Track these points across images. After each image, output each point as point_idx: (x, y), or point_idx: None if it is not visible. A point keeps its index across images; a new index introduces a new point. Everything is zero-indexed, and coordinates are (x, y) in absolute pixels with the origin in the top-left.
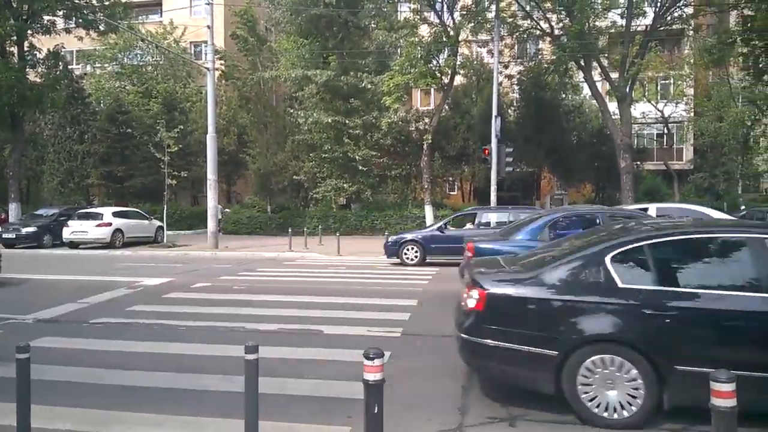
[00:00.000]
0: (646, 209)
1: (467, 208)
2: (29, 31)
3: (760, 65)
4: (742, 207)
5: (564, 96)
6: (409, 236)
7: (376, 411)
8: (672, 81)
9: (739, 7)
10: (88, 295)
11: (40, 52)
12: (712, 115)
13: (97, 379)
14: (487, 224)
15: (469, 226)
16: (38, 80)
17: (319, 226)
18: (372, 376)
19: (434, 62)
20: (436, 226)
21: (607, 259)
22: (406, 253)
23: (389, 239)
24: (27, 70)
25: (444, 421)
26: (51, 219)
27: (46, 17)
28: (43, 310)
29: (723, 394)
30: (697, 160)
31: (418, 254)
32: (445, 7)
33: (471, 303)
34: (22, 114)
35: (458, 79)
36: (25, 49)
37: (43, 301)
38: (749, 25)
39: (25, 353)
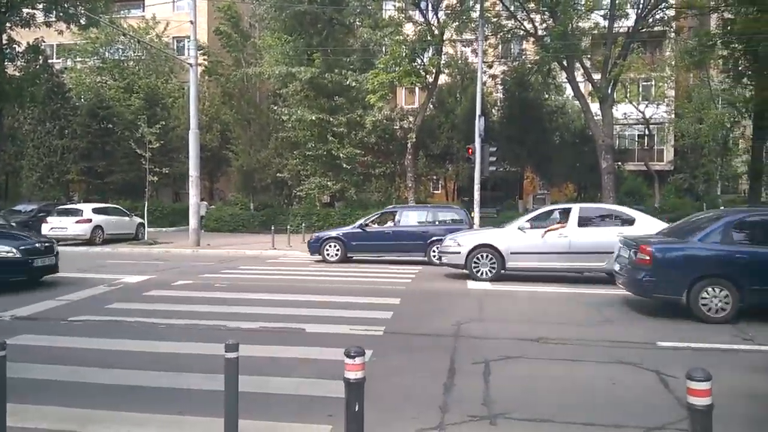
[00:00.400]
0: (569, 209)
1: (388, 206)
2: (8, 24)
3: (740, 68)
4: (722, 207)
5: (547, 96)
6: (330, 234)
7: (357, 409)
8: (653, 83)
9: (719, 11)
10: (67, 292)
11: (19, 46)
12: (692, 117)
13: (75, 377)
14: (407, 222)
15: (389, 224)
16: (17, 74)
17: (303, 224)
18: (353, 375)
19: (419, 61)
20: (357, 224)
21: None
22: (327, 251)
23: (312, 236)
24: (6, 63)
25: (425, 420)
26: (30, 215)
27: (25, 10)
28: (20, 308)
29: (699, 393)
30: (677, 161)
31: (339, 252)
32: (429, 6)
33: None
34: (1, 108)
35: (443, 78)
36: (4, 42)
37: (20, 298)
38: (729, 28)
39: (1, 351)
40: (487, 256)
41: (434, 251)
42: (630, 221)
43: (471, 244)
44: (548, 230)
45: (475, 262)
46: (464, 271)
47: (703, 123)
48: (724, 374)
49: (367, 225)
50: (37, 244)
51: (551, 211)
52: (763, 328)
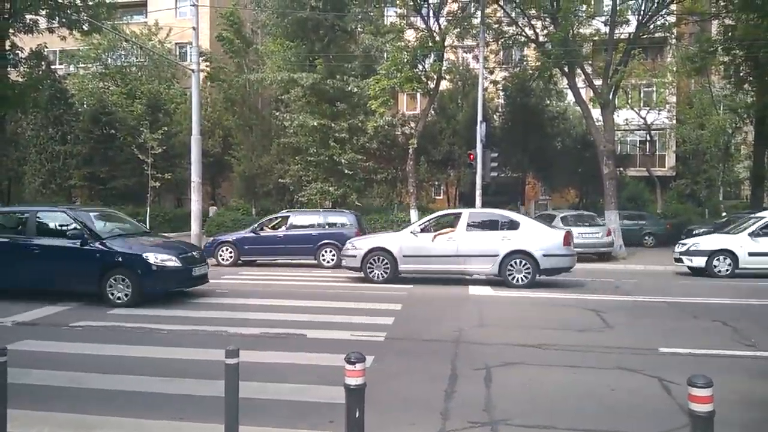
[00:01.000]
0: (459, 214)
1: (282, 211)
2: (11, 30)
3: (741, 74)
4: (724, 213)
5: (548, 102)
6: (225, 238)
7: (357, 415)
8: (655, 88)
9: (720, 17)
10: (68, 298)
11: (22, 52)
12: (694, 123)
13: (76, 383)
14: (300, 226)
15: (282, 228)
16: (20, 80)
17: None
18: (353, 381)
19: (420, 67)
20: (250, 228)
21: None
22: (221, 254)
23: (209, 240)
24: (9, 69)
25: (426, 426)
26: None
27: (28, 16)
28: (22, 313)
29: (701, 399)
30: (679, 167)
31: (232, 255)
32: (431, 12)
33: None
34: (4, 114)
35: (444, 84)
36: (7, 48)
37: (22, 304)
38: (730, 34)
39: (2, 356)
40: (381, 259)
41: (323, 254)
42: (515, 226)
43: (366, 247)
44: (438, 234)
45: (369, 265)
46: (361, 273)
47: (704, 129)
48: (726, 380)
49: (261, 229)
50: (193, 253)
51: (444, 216)
52: (765, 334)
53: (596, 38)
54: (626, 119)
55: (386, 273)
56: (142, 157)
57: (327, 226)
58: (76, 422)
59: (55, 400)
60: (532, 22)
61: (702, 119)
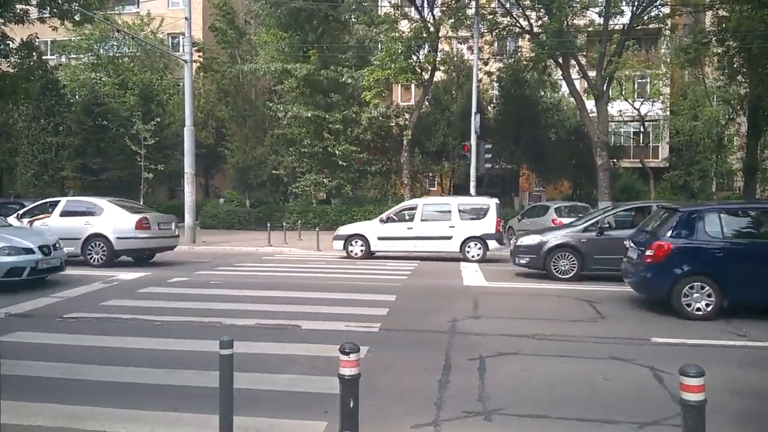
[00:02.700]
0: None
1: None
2: (1, 20)
3: (734, 65)
4: None
5: (543, 93)
6: (353, 231)
7: (351, 406)
8: (648, 80)
9: (714, 8)
10: (61, 289)
11: (12, 42)
12: (687, 114)
13: (71, 374)
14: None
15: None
16: (11, 71)
17: (299, 221)
18: (348, 371)
19: (414, 58)
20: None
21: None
22: (351, 248)
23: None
24: None
25: (420, 416)
26: None
27: (18, 6)
28: (15, 305)
29: (692, 389)
30: (672, 158)
31: (363, 249)
32: (425, 2)
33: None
34: None
35: (438, 75)
36: None
37: (15, 296)
38: (724, 25)
39: None
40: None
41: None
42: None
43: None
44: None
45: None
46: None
47: (698, 120)
48: (718, 370)
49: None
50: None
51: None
52: (757, 325)
53: (590, 29)
54: (620, 110)
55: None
56: (135, 148)
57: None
58: (69, 414)
59: (48, 391)
60: (527, 13)
61: (695, 110)
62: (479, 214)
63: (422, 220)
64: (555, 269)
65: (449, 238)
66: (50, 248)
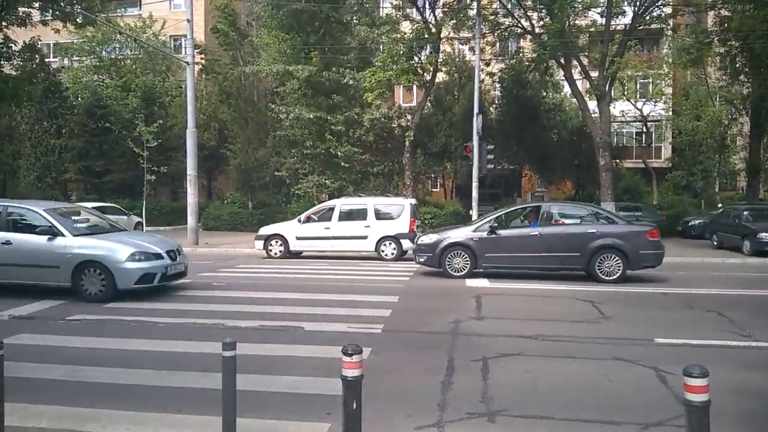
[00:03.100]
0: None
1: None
2: (3, 23)
3: (737, 65)
4: (719, 204)
5: (545, 94)
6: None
7: (354, 407)
8: (651, 80)
9: (716, 8)
10: (65, 292)
11: (15, 45)
12: (689, 114)
13: (74, 376)
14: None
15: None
16: (14, 73)
17: None
18: (350, 373)
19: (416, 59)
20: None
21: None
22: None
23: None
24: (2, 62)
25: (423, 417)
26: None
27: (21, 8)
28: (19, 307)
29: (696, 389)
30: (675, 159)
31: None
32: (426, 3)
33: None
34: None
35: (440, 76)
36: (0, 41)
37: (18, 298)
38: (726, 25)
39: None
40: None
41: None
42: None
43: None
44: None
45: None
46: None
47: (700, 120)
48: (722, 371)
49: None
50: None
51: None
52: (761, 325)
53: (592, 30)
54: (622, 111)
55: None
56: (138, 151)
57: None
58: (73, 416)
59: (52, 393)
60: (528, 14)
61: (698, 110)
62: (394, 214)
63: (339, 220)
64: (449, 267)
65: (365, 237)
66: (176, 253)
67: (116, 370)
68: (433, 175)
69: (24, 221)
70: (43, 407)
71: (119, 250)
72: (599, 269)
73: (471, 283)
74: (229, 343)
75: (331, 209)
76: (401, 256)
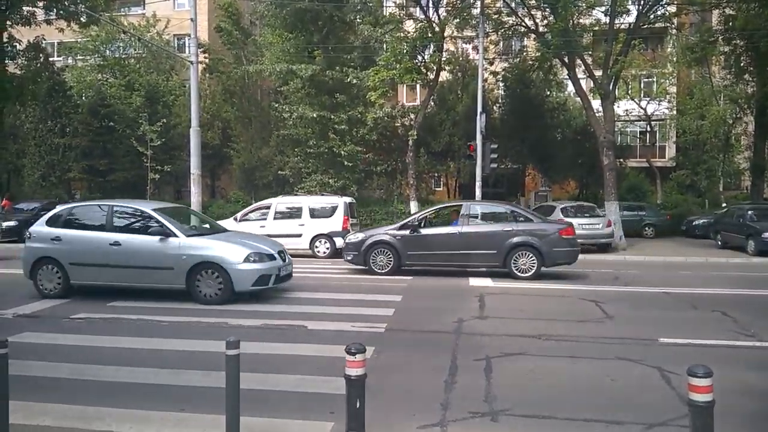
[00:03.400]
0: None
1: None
2: (8, 22)
3: (741, 64)
4: (724, 204)
5: (548, 93)
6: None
7: (358, 406)
8: (655, 79)
9: (721, 7)
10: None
11: (19, 44)
12: (694, 113)
13: (78, 374)
14: None
15: None
16: (18, 72)
17: None
18: (354, 372)
19: (420, 58)
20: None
21: None
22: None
23: None
24: (6, 62)
25: (426, 416)
26: (32, 213)
27: (25, 8)
28: (23, 305)
29: (700, 389)
30: (679, 158)
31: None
32: (430, 2)
33: None
34: (2, 107)
35: (444, 75)
36: (4, 40)
37: (23, 296)
38: (731, 24)
39: (2, 348)
40: None
41: None
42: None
43: None
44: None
45: None
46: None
47: (704, 119)
48: (727, 371)
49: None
50: None
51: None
52: (766, 325)
53: (596, 28)
54: (626, 110)
55: None
56: (142, 150)
57: None
58: (77, 414)
59: (56, 391)
60: (532, 12)
61: (702, 110)
62: (328, 213)
63: (275, 219)
64: (374, 264)
65: (299, 236)
66: (285, 254)
67: (120, 369)
68: (436, 175)
69: (132, 221)
70: (47, 405)
71: (235, 251)
72: (515, 266)
73: (474, 282)
74: (233, 342)
75: (268, 208)
76: (334, 254)
